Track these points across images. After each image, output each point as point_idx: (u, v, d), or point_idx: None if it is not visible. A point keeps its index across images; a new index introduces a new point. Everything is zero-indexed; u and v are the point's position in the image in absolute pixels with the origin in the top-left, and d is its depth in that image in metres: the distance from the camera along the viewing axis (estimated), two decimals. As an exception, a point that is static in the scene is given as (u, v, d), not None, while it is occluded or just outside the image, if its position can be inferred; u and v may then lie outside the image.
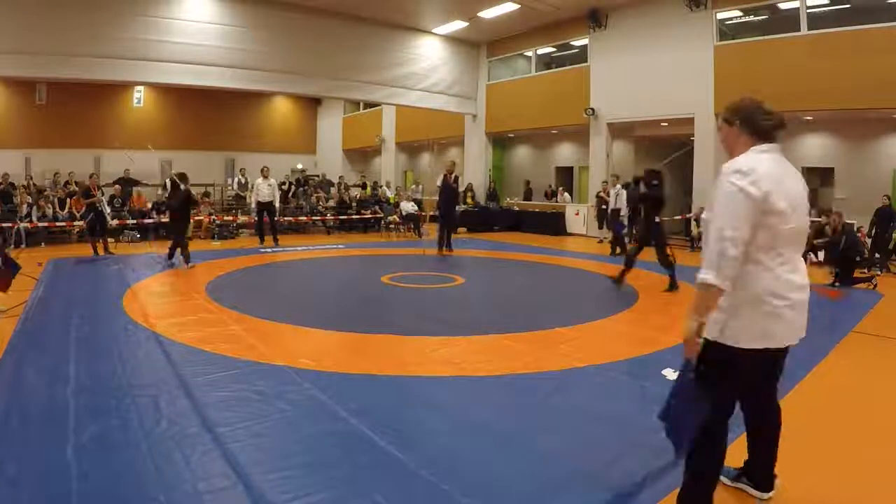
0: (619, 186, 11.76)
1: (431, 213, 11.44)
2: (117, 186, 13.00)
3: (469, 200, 17.47)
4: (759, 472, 2.40)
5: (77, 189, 12.48)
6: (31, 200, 11.79)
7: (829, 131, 12.45)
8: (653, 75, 13.19)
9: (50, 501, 2.30)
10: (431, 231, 10.70)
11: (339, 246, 12.09)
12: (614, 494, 2.42)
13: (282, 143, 22.08)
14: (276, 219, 12.08)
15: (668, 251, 7.13)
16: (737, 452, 2.46)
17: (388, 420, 3.12)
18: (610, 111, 14.56)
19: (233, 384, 3.66)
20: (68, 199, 12.22)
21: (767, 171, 1.93)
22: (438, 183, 10.96)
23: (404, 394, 3.64)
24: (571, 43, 16.00)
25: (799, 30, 11.28)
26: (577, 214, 15.72)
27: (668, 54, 12.90)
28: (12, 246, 10.73)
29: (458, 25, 15.97)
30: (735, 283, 1.91)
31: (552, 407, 3.41)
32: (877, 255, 9.87)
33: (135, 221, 12.74)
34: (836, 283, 8.09)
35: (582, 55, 15.50)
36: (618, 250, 10.93)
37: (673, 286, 7.09)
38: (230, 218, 14.15)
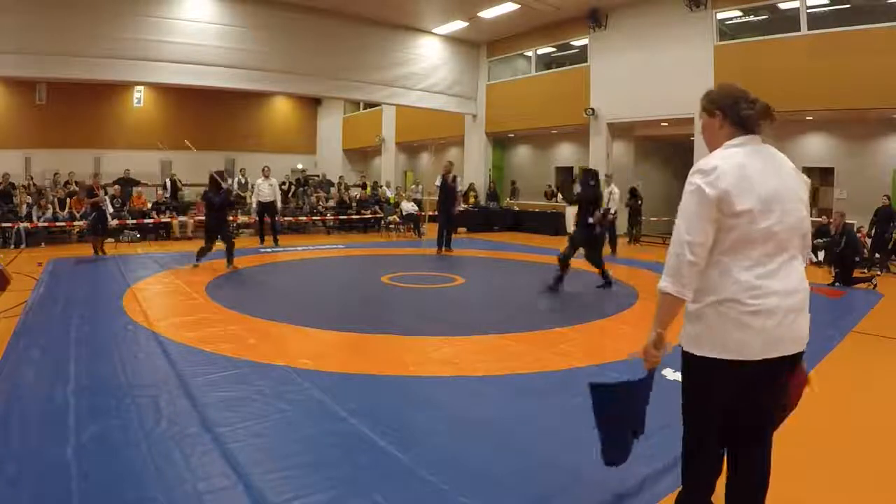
0: (612, 186, 11.71)
1: (431, 213, 11.44)
2: (117, 186, 13.00)
3: (472, 199, 17.50)
4: None
5: (78, 189, 12.49)
6: (31, 200, 11.79)
7: (829, 131, 12.45)
8: (653, 75, 13.19)
9: (50, 501, 2.30)
10: (431, 231, 10.69)
11: (339, 246, 12.09)
12: (613, 495, 2.42)
13: (282, 143, 22.08)
14: (276, 219, 12.08)
15: (600, 252, 7.14)
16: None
17: (388, 420, 3.12)
18: (610, 111, 14.56)
19: (233, 384, 3.66)
20: (68, 199, 12.22)
21: (732, 167, 1.75)
22: (437, 183, 10.99)
23: (404, 394, 3.64)
24: (571, 43, 16.00)
25: (799, 30, 11.29)
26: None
27: (668, 54, 12.90)
28: (12, 246, 10.74)
29: (458, 25, 15.96)
30: (701, 288, 1.79)
31: (552, 407, 3.41)
32: (877, 255, 9.88)
33: (135, 221, 12.74)
34: (837, 283, 8.10)
35: (582, 55, 15.50)
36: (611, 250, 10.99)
37: (607, 283, 7.14)
38: (230, 218, 14.12)
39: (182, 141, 19.03)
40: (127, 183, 14.00)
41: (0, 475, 2.46)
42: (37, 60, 11.11)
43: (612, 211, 11.47)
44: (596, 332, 5.25)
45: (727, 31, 12.67)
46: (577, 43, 15.70)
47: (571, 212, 15.43)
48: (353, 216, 15.61)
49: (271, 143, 21.51)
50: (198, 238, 12.94)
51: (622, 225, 13.89)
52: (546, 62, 17.16)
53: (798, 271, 1.84)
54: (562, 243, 12.61)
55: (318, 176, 20.15)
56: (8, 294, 5.96)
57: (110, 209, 11.45)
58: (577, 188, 7.39)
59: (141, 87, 18.57)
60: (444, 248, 10.59)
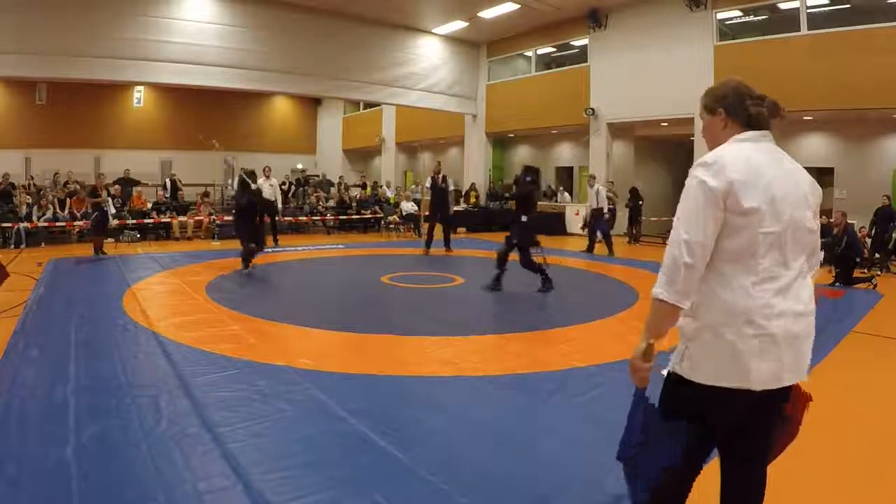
0: (597, 186, 11.74)
1: (425, 215, 11.44)
2: (117, 186, 13.01)
3: (472, 199, 17.51)
4: None
5: (79, 189, 12.49)
6: (31, 200, 11.79)
7: (829, 131, 12.45)
8: (653, 75, 13.19)
9: (50, 501, 2.29)
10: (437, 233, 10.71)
11: (339, 246, 12.09)
12: (613, 496, 2.41)
13: (282, 143, 22.08)
14: (276, 219, 12.08)
15: (534, 254, 6.85)
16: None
17: (388, 420, 3.12)
18: (610, 111, 14.56)
19: (233, 384, 3.65)
20: (68, 199, 12.23)
21: (739, 158, 1.55)
22: (427, 185, 10.98)
23: (404, 394, 3.64)
24: (571, 43, 16.01)
25: (799, 30, 11.30)
26: (578, 214, 15.72)
27: (668, 54, 12.91)
28: (12, 246, 10.74)
29: (458, 25, 15.97)
30: (700, 303, 1.55)
31: (552, 407, 3.41)
32: (877, 255, 9.88)
33: (135, 221, 12.74)
34: (837, 283, 8.10)
35: (582, 55, 15.50)
36: (604, 249, 11.08)
37: (546, 286, 6.86)
38: (230, 218, 14.12)
39: (182, 141, 19.18)
40: (127, 183, 14.00)
41: (0, 475, 2.46)
42: (37, 60, 11.11)
43: (605, 211, 11.54)
44: (596, 332, 5.25)
45: (727, 31, 12.68)
46: (577, 43, 15.71)
47: (572, 211, 15.53)
48: (353, 216, 15.61)
49: (271, 142, 21.51)
50: (197, 238, 12.96)
51: (621, 225, 13.92)
52: (546, 62, 17.17)
53: (809, 290, 1.61)
54: (562, 243, 12.68)
55: (318, 176, 20.15)
56: (8, 294, 6.00)
57: (112, 210, 11.46)
58: (514, 187, 7.22)
59: (141, 87, 18.57)
60: (434, 248, 10.56)
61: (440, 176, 10.72)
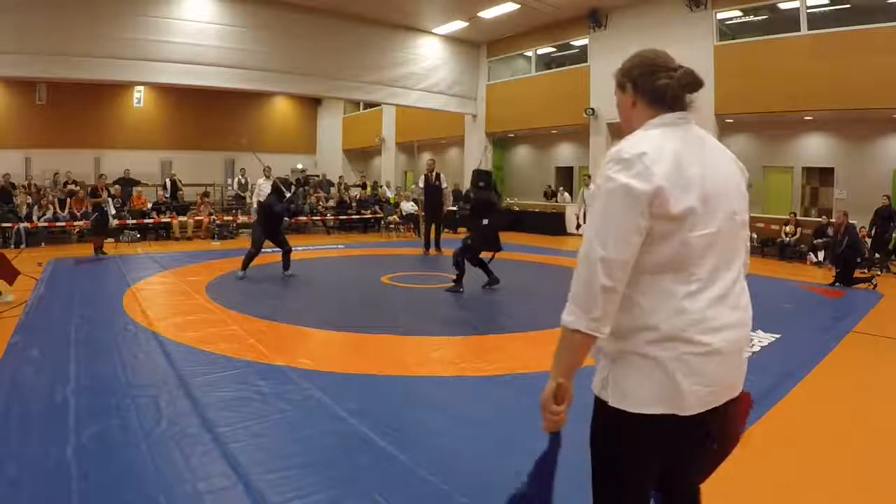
0: (593, 187, 11.78)
1: (422, 215, 11.41)
2: (117, 187, 13.01)
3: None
4: None
5: (79, 189, 12.49)
6: (31, 201, 11.79)
7: (829, 131, 12.45)
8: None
9: (50, 501, 2.30)
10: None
11: (339, 246, 12.09)
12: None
13: (282, 143, 22.07)
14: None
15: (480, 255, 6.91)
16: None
17: (388, 420, 3.12)
18: (610, 111, 14.54)
19: (233, 384, 3.66)
20: (68, 199, 12.23)
21: (665, 153, 1.28)
22: (420, 184, 10.91)
23: (404, 394, 3.64)
24: (571, 43, 16.00)
25: (799, 30, 11.29)
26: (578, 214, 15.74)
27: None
28: (12, 246, 10.74)
29: (458, 25, 15.96)
30: (624, 323, 1.31)
31: (552, 407, 3.40)
32: (877, 255, 9.88)
33: (135, 221, 12.74)
34: (837, 283, 8.10)
35: (582, 55, 15.50)
36: None
37: (492, 282, 6.94)
38: (230, 218, 14.15)
39: (182, 141, 19.18)
40: (127, 183, 14.00)
41: (0, 475, 2.46)
42: (37, 60, 11.10)
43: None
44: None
45: (727, 31, 12.67)
46: (577, 43, 15.71)
47: (572, 211, 15.53)
48: (353, 216, 15.61)
49: (271, 143, 21.50)
50: (197, 238, 12.96)
51: None
52: (546, 62, 17.16)
53: (745, 292, 1.41)
54: (562, 243, 12.68)
55: (318, 176, 20.15)
56: (15, 288, 6.03)
57: (112, 210, 11.46)
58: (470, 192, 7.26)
59: (141, 87, 18.56)
60: (430, 249, 10.56)
61: (433, 174, 10.65)
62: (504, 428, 3.10)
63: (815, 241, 10.45)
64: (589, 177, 12.34)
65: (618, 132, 15.13)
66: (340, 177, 18.68)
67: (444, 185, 10.89)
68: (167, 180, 15.18)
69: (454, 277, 6.96)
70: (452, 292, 6.87)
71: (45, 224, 11.57)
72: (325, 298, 6.89)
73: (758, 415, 3.11)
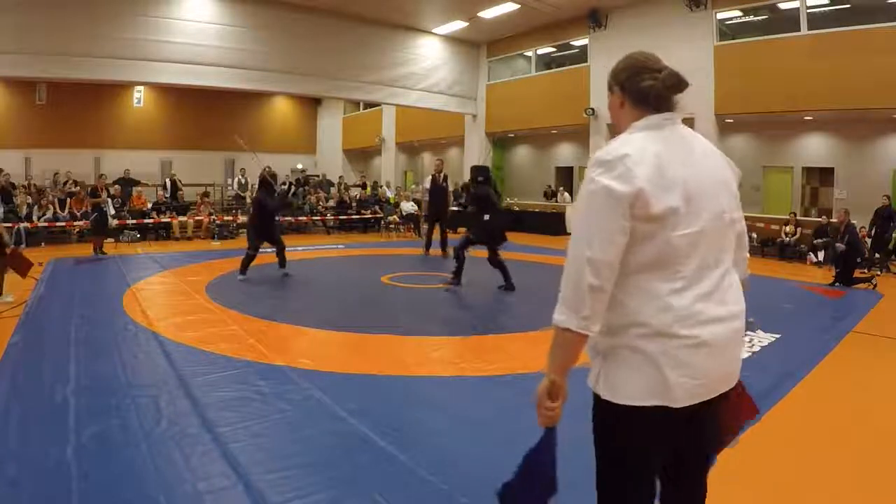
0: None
1: (423, 215, 11.39)
2: (117, 187, 13.00)
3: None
4: None
5: (79, 189, 12.48)
6: (31, 201, 11.79)
7: (829, 131, 12.45)
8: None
9: (50, 501, 2.30)
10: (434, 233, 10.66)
11: (339, 246, 12.09)
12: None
13: (282, 143, 22.07)
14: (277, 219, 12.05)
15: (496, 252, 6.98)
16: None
17: (388, 420, 3.13)
18: (610, 111, 14.56)
19: (233, 384, 3.66)
20: (68, 199, 12.23)
21: (646, 155, 1.33)
22: (426, 185, 10.86)
23: (404, 394, 3.64)
24: (571, 43, 16.00)
25: (799, 30, 11.29)
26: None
27: (668, 54, 12.41)
28: (12, 246, 10.74)
29: (458, 25, 15.96)
30: (615, 321, 1.35)
31: (552, 407, 3.40)
32: (877, 255, 9.88)
33: (135, 221, 12.74)
34: (837, 283, 8.10)
35: (582, 55, 15.50)
36: None
37: (509, 286, 6.98)
38: (230, 218, 14.15)
39: (182, 141, 19.17)
40: (127, 183, 14.00)
41: (0, 475, 2.46)
42: (37, 60, 11.10)
43: None
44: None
45: (727, 31, 12.67)
46: (577, 43, 15.71)
47: (572, 211, 15.53)
48: (353, 216, 15.61)
49: (271, 143, 21.49)
50: (197, 238, 12.96)
51: None
52: (546, 62, 17.16)
53: (735, 288, 1.45)
54: (562, 243, 12.69)
55: (318, 176, 20.15)
56: (17, 287, 6.05)
57: (111, 210, 11.46)
58: (471, 188, 7.33)
59: (141, 87, 18.56)
60: (433, 250, 10.49)
61: (441, 175, 10.65)
62: (504, 428, 3.09)
63: (815, 241, 10.45)
64: None
65: (617, 132, 15.15)
66: (340, 177, 18.68)
67: (451, 186, 10.90)
68: (167, 180, 15.18)
69: (453, 270, 6.94)
70: (450, 285, 6.87)
71: (45, 224, 11.57)
72: (325, 298, 6.89)
73: (758, 415, 3.11)
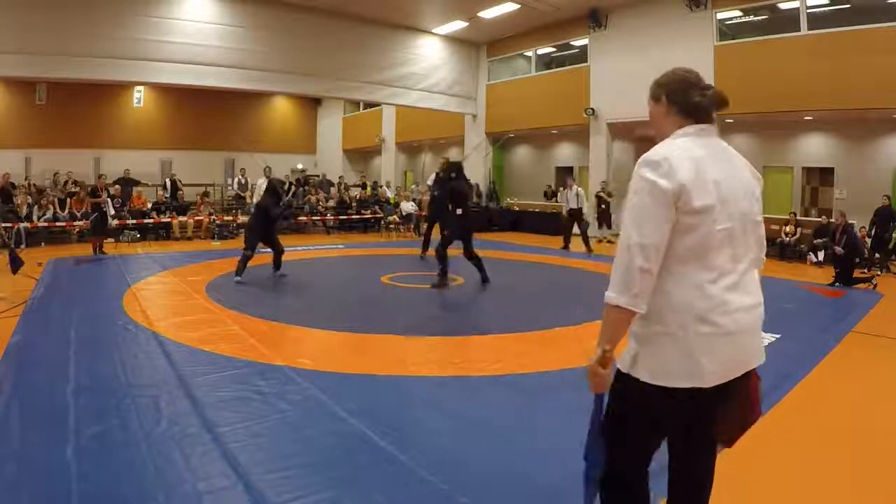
0: (576, 187, 12.17)
1: (424, 215, 11.41)
2: (117, 186, 13.00)
3: (476, 199, 17.51)
4: None
5: (79, 189, 12.48)
6: (31, 201, 11.79)
7: (829, 131, 12.45)
8: (653, 75, 12.79)
9: (50, 501, 2.30)
10: (434, 234, 10.65)
11: (339, 246, 12.09)
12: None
13: (282, 143, 22.08)
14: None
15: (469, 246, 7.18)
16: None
17: (388, 420, 3.13)
18: (610, 111, 14.56)
19: (233, 384, 3.66)
20: (68, 199, 12.23)
21: (686, 157, 1.52)
22: (430, 182, 10.86)
23: (404, 394, 3.64)
24: (571, 43, 16.00)
25: (799, 30, 11.29)
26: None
27: (669, 54, 12.88)
28: (12, 245, 10.74)
29: (458, 25, 15.97)
30: (653, 307, 1.52)
31: (552, 407, 3.41)
32: (877, 255, 9.88)
33: (135, 221, 12.74)
34: (837, 283, 8.10)
35: (582, 55, 15.50)
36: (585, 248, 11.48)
37: (485, 279, 7.22)
38: (230, 218, 14.15)
39: (182, 141, 19.18)
40: (127, 183, 13.99)
41: (0, 475, 2.46)
42: (37, 60, 11.10)
43: (584, 211, 12.10)
44: (596, 332, 5.24)
45: (727, 31, 12.67)
46: (577, 43, 15.70)
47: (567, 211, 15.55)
48: (353, 216, 15.61)
49: (271, 143, 21.49)
50: (197, 238, 12.96)
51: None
52: (546, 62, 17.16)
53: (756, 282, 1.64)
54: (562, 243, 12.67)
55: (318, 176, 20.15)
56: (8, 293, 6.01)
57: (111, 210, 11.46)
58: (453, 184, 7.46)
59: (141, 87, 18.57)
60: (429, 251, 10.47)
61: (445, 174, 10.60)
62: (504, 428, 3.09)
63: (815, 241, 10.45)
64: (572, 179, 12.70)
65: (618, 132, 15.16)
66: (340, 177, 18.67)
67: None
68: (167, 180, 15.17)
69: (438, 272, 7.01)
70: (438, 288, 6.89)
71: (45, 224, 11.57)
72: (325, 298, 6.89)
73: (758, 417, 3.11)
